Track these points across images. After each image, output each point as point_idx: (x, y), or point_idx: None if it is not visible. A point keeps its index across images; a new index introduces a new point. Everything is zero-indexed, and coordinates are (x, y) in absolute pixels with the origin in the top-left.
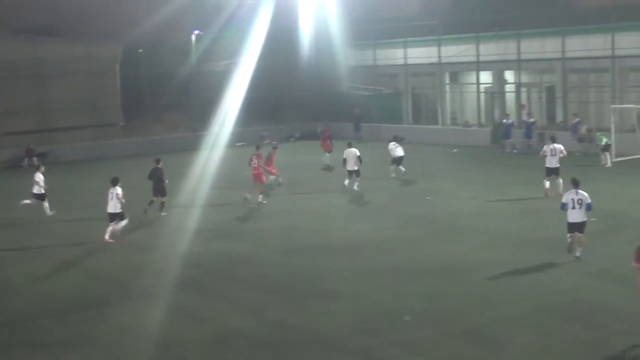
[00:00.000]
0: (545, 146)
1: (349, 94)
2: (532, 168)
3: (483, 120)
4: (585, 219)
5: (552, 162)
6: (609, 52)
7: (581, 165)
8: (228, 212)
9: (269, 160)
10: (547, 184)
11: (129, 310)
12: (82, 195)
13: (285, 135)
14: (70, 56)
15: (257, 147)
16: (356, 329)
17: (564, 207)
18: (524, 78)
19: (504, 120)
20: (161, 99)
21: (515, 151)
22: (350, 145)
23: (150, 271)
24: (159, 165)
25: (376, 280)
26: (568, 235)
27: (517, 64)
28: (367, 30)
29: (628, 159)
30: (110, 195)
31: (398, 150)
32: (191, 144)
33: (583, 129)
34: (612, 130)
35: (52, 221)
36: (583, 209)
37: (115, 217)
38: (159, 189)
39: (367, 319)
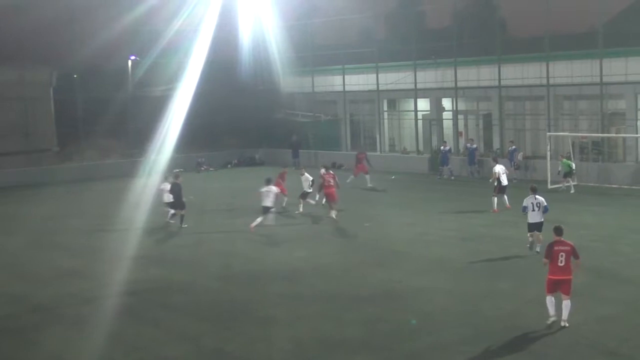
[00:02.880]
0: (494, 167)
1: (288, 120)
2: (470, 194)
3: (421, 147)
4: (542, 219)
5: (504, 181)
6: (544, 81)
7: (518, 193)
8: (164, 239)
9: (281, 179)
10: (496, 201)
11: (63, 338)
12: (20, 223)
13: (222, 162)
14: (2, 81)
15: (326, 168)
16: (294, 356)
17: (524, 210)
18: (461, 105)
19: (442, 147)
20: (97, 125)
21: (452, 178)
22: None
23: (85, 299)
24: (178, 181)
25: (314, 307)
26: (529, 234)
27: (454, 92)
28: (306, 57)
29: (564, 186)
30: (265, 193)
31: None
32: (127, 170)
33: (519, 156)
34: (548, 157)
35: None
36: (541, 211)
37: (267, 210)
38: (178, 204)
39: (304, 345)
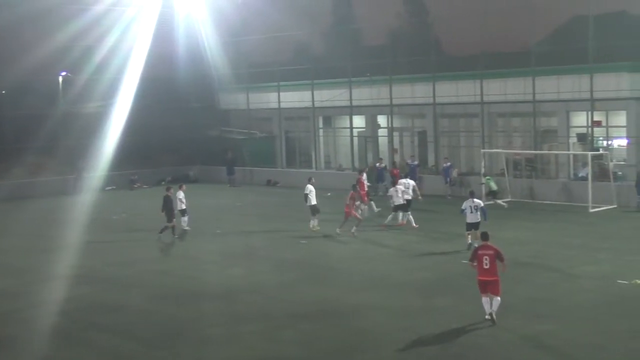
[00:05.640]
0: (400, 183)
1: (223, 137)
2: None
3: (357, 164)
4: (479, 220)
5: (397, 200)
6: (478, 98)
7: (453, 209)
8: (96, 258)
9: (361, 185)
10: (401, 216)
11: None
12: None
13: (156, 179)
14: None
15: (354, 188)
16: None
17: (463, 212)
18: (397, 122)
19: (377, 164)
20: (27, 142)
21: (388, 194)
22: (309, 181)
23: (15, 320)
24: (169, 193)
25: (250, 325)
26: (467, 233)
27: (390, 109)
28: (241, 74)
29: (498, 202)
30: (395, 192)
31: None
32: (59, 188)
33: (454, 173)
34: (482, 173)
35: None
36: (478, 213)
37: (400, 207)
38: (169, 215)
39: None
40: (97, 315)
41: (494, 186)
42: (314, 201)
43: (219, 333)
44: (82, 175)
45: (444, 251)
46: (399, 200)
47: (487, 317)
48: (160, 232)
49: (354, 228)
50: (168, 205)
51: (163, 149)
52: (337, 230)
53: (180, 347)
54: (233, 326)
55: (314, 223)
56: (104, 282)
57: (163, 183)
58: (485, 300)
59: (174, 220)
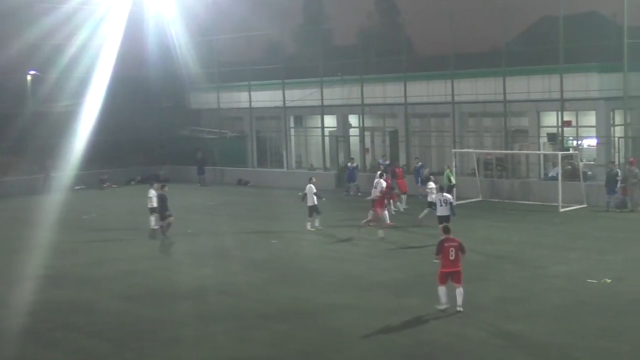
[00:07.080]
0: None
1: (193, 137)
2: None
3: (328, 163)
4: (449, 213)
5: (373, 194)
6: (449, 98)
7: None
8: (66, 258)
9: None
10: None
11: None
12: None
13: (126, 179)
14: None
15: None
16: None
17: (435, 206)
18: (368, 122)
19: (349, 164)
20: None
21: (360, 194)
22: (310, 181)
23: None
24: (163, 192)
25: (221, 325)
26: (440, 225)
27: (361, 109)
28: (212, 73)
29: (469, 202)
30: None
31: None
32: (27, 188)
33: (425, 172)
34: (454, 173)
35: None
36: (448, 206)
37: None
38: (161, 214)
39: None
40: (67, 315)
41: (452, 180)
42: (315, 201)
43: (189, 333)
44: (50, 175)
45: (416, 249)
46: (375, 194)
47: (442, 307)
48: (163, 234)
49: (381, 232)
50: (163, 203)
51: (133, 148)
52: (380, 233)
53: (151, 348)
54: (204, 326)
55: (314, 224)
56: (74, 282)
57: (133, 183)
58: (442, 289)
59: (167, 220)
